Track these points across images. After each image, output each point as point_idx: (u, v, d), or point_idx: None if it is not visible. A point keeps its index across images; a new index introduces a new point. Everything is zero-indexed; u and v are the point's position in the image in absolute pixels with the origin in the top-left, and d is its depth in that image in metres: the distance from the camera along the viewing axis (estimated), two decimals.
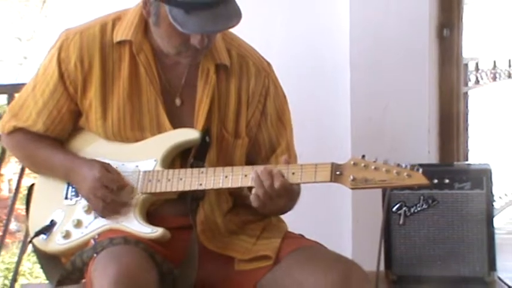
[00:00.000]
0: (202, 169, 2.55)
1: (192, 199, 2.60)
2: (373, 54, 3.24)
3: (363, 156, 2.39)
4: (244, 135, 2.69)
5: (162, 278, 2.45)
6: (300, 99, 2.80)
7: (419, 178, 2.35)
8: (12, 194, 3.72)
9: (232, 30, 2.57)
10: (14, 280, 3.72)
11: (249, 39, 2.72)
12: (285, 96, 2.76)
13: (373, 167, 2.37)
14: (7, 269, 7.81)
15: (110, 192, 2.55)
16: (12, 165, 3.39)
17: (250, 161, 2.69)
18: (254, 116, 2.70)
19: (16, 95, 2.90)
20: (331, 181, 2.40)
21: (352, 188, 2.40)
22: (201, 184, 2.53)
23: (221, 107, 2.65)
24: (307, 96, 3.07)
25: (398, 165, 2.36)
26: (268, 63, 2.74)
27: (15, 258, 3.81)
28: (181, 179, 2.55)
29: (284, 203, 2.49)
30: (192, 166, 2.58)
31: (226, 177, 2.51)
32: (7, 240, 3.95)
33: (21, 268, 3.68)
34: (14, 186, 3.68)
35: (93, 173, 2.57)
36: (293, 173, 2.44)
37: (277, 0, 3.34)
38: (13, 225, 3.90)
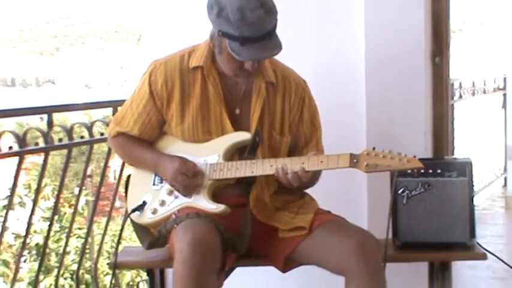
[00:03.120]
0: (253, 161, 2.56)
1: (246, 183, 2.60)
2: (383, 74, 3.23)
3: (374, 148, 2.40)
4: (288, 134, 2.68)
5: (224, 242, 2.45)
6: (326, 105, 2.80)
7: (416, 163, 2.38)
8: (116, 181, 3.73)
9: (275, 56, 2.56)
10: (118, 243, 3.73)
11: (288, 61, 2.71)
12: (316, 106, 2.75)
13: (381, 156, 2.39)
14: (113, 235, 7.88)
15: (187, 178, 2.56)
16: (116, 160, 3.39)
17: (290, 153, 2.69)
18: (294, 120, 2.69)
19: (119, 108, 2.91)
20: (350, 167, 2.41)
21: (366, 172, 2.41)
22: (253, 172, 2.54)
23: (270, 113, 2.64)
24: (332, 103, 3.08)
25: (400, 154, 2.38)
26: (304, 81, 2.73)
27: (119, 227, 3.83)
28: (238, 169, 2.56)
29: (306, 184, 2.54)
30: (246, 159, 2.57)
31: (271, 166, 2.51)
32: (113, 214, 3.97)
33: (123, 234, 3.69)
34: (117, 175, 3.69)
35: (173, 164, 2.58)
36: (321, 162, 2.46)
37: (308, 31, 3.34)
38: (117, 203, 3.91)
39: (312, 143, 2.71)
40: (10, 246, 8.88)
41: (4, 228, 3.29)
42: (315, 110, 2.74)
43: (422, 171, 2.74)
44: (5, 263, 8.83)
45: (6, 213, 3.31)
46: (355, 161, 2.40)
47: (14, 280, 3.62)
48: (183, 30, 3.51)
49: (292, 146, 2.71)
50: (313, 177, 2.56)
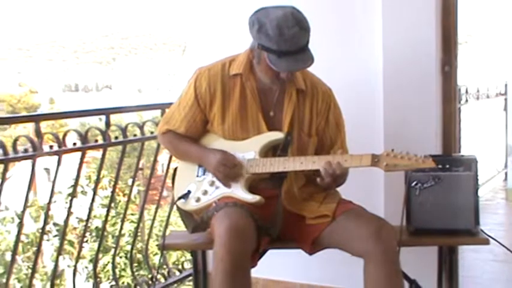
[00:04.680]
0: (285, 158, 2.53)
1: (278, 177, 2.58)
2: (399, 81, 3.20)
3: (393, 150, 2.36)
4: (315, 135, 2.66)
5: (258, 228, 2.44)
6: (350, 109, 2.80)
7: (430, 163, 2.33)
8: (164, 173, 3.74)
9: None
10: (166, 227, 3.74)
11: (317, 71, 2.69)
12: (340, 111, 2.73)
13: (399, 157, 2.34)
14: (161, 220, 7.92)
15: (228, 168, 2.56)
16: (164, 155, 3.41)
17: (317, 152, 2.66)
18: (321, 123, 2.67)
19: (166, 110, 2.92)
20: (371, 166, 2.38)
21: (385, 170, 2.38)
22: (285, 167, 2.51)
23: (300, 117, 2.62)
24: (354, 107, 3.06)
25: (416, 155, 2.33)
26: (330, 89, 2.71)
27: (166, 214, 3.84)
28: (272, 164, 2.54)
29: (340, 182, 2.49)
30: (279, 156, 2.56)
31: (301, 163, 2.49)
32: (161, 202, 3.98)
33: (170, 220, 3.70)
34: (165, 168, 3.70)
35: (216, 157, 2.58)
36: (346, 160, 2.42)
37: (335, 45, 3.33)
38: (164, 193, 3.93)
39: (337, 144, 2.68)
40: (74, 228, 9.01)
41: (69, 213, 3.33)
42: (339, 115, 2.72)
43: None
44: (70, 243, 8.97)
45: (71, 201, 3.34)
46: (376, 160, 2.37)
47: (78, 257, 3.65)
48: (222, 42, 3.52)
49: (318, 146, 2.68)
50: (342, 176, 2.49)
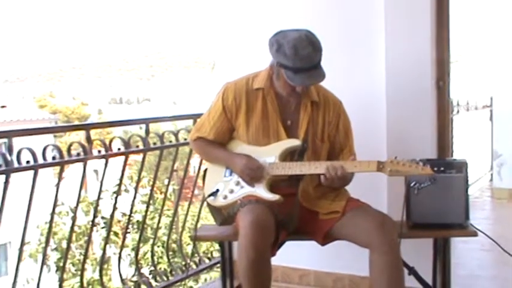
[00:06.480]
0: (302, 162, 2.52)
1: (296, 179, 2.56)
2: (400, 94, 3.17)
3: (396, 157, 2.35)
4: (327, 141, 2.64)
5: (277, 222, 2.43)
6: (357, 119, 2.78)
7: (428, 170, 2.32)
8: (195, 174, 3.74)
9: None
10: (197, 221, 3.73)
11: (328, 86, 2.68)
12: (349, 120, 2.71)
13: (401, 164, 2.33)
14: (193, 215, 7.89)
15: (252, 171, 2.54)
16: (196, 158, 3.41)
17: (329, 155, 2.65)
18: (332, 131, 2.65)
19: (198, 119, 2.91)
20: (377, 171, 2.36)
21: (389, 175, 2.36)
22: (301, 171, 2.50)
23: (314, 125, 2.61)
24: (361, 118, 3.02)
25: (417, 162, 2.32)
26: (340, 101, 2.70)
27: (197, 209, 3.83)
28: (290, 168, 2.52)
29: (342, 183, 2.47)
30: (296, 160, 2.54)
31: (316, 167, 2.47)
32: (193, 199, 3.98)
33: (201, 215, 3.69)
34: (196, 170, 3.69)
35: (242, 161, 2.57)
36: (355, 166, 2.41)
37: (344, 63, 3.29)
38: (196, 192, 3.92)
39: (346, 149, 2.66)
40: (119, 221, 9.03)
41: (115, 208, 3.33)
42: (348, 124, 2.70)
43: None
44: (116, 234, 9.01)
45: (116, 198, 3.35)
46: (381, 166, 2.35)
47: (122, 246, 3.66)
48: (246, 61, 3.51)
49: (330, 151, 2.66)
50: (342, 178, 2.46)
